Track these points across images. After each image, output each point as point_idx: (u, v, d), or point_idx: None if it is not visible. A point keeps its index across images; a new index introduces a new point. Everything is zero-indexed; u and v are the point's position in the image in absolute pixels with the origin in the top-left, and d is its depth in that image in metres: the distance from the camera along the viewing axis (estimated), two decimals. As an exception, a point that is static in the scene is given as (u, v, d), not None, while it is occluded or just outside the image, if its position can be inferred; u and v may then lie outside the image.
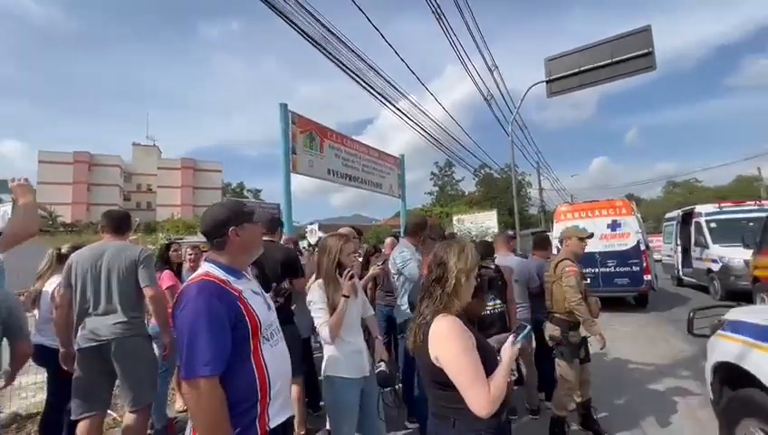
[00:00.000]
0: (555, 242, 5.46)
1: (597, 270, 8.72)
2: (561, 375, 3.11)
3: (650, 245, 10.24)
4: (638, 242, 8.56)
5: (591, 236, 3.36)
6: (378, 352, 2.24)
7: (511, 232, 7.03)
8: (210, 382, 1.19)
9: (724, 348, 2.41)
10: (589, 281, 8.57)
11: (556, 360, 3.18)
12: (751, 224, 8.79)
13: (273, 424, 1.33)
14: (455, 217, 16.94)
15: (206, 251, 1.72)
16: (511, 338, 1.39)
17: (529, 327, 1.52)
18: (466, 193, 41.76)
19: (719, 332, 2.53)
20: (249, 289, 1.44)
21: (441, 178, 43.20)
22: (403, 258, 3.18)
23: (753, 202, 10.32)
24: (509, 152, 13.11)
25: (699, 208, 10.52)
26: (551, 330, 3.18)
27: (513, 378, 4.11)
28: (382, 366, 2.13)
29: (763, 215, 7.76)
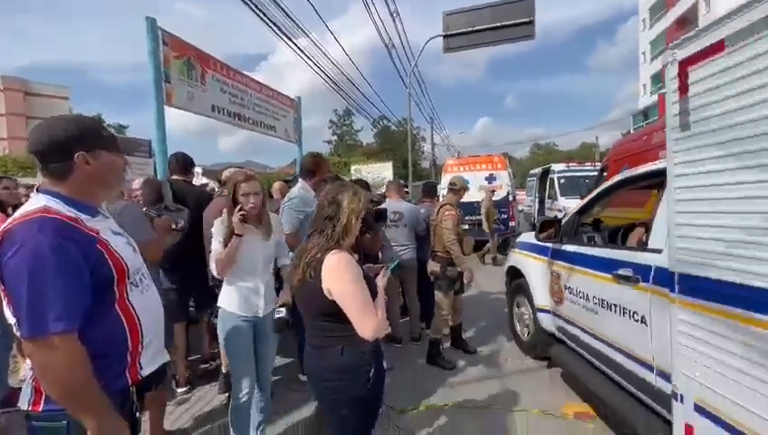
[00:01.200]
0: (444, 191, 6.10)
1: (475, 217, 9.96)
2: (438, 305, 3.59)
3: (517, 197, 12.03)
4: (508, 194, 9.98)
5: (466, 189, 3.90)
6: (281, 298, 2.21)
7: (403, 182, 7.42)
8: (65, 340, 1.01)
9: (512, 257, 4.05)
10: (467, 227, 9.93)
11: (435, 292, 3.63)
12: (587, 181, 10.94)
13: (145, 373, 1.24)
14: (352, 168, 17.07)
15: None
16: (383, 270, 1.59)
17: (398, 261, 1.78)
18: (365, 144, 42.07)
19: (513, 249, 4.10)
20: (108, 229, 1.22)
21: (340, 126, 42.41)
22: (290, 206, 2.98)
23: (590, 163, 12.83)
24: (406, 105, 13.43)
25: (553, 167, 12.63)
26: (432, 266, 3.60)
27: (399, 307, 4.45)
28: (282, 313, 2.13)
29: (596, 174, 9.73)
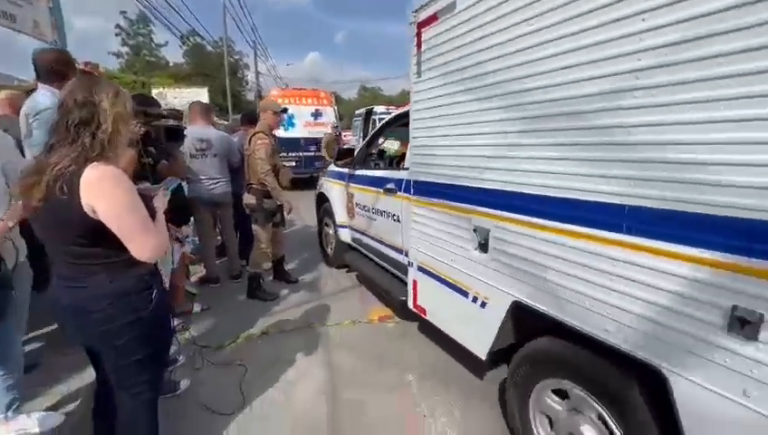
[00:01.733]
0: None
1: (302, 154, 9.83)
2: (257, 238, 3.46)
3: (344, 137, 12.40)
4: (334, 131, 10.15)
5: (285, 111, 3.56)
6: None
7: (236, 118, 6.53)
8: None
9: (320, 184, 4.49)
10: (294, 164, 9.76)
11: (252, 225, 3.47)
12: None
13: None
14: (154, 90, 13.89)
15: None
16: (162, 190, 1.44)
17: (179, 181, 1.62)
18: (172, 64, 34.54)
19: (321, 177, 4.57)
20: None
21: (134, 36, 33.05)
22: (41, 120, 2.15)
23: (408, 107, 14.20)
24: (222, 21, 11.43)
25: (375, 109, 13.44)
26: (247, 199, 3.37)
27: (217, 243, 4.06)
28: None
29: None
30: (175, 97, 11.82)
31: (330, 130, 9.68)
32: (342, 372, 2.49)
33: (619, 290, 1.22)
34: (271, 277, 3.95)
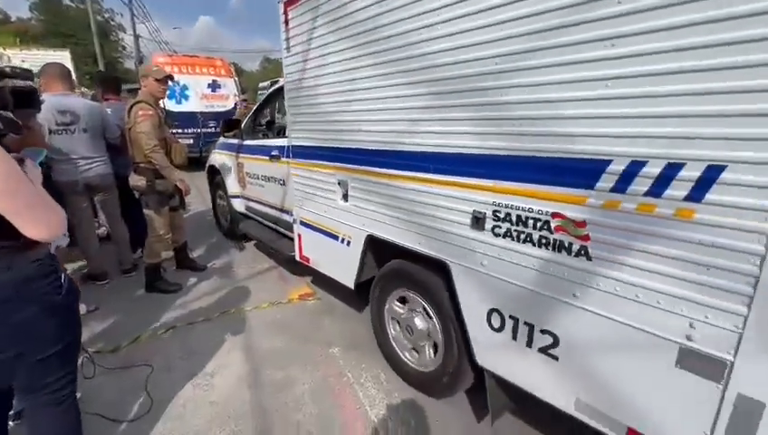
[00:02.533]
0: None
1: (199, 130, 8.83)
2: (150, 224, 3.04)
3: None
4: (236, 105, 9.29)
5: (171, 78, 3.08)
6: None
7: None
8: None
9: (211, 157, 4.51)
10: (192, 142, 8.75)
11: (144, 210, 3.03)
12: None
13: None
14: (-8, 52, 10.96)
15: None
16: (29, 160, 1.17)
17: (44, 151, 1.34)
18: (14, 19, 27.65)
19: (212, 150, 4.58)
20: None
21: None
22: None
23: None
24: None
25: (281, 81, 12.63)
26: (135, 180, 2.92)
27: (102, 234, 3.52)
28: None
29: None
30: (23, 60, 9.51)
31: (231, 104, 8.90)
32: (264, 354, 2.39)
33: (412, 209, 1.77)
34: (174, 267, 3.57)
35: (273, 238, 3.43)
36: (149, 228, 3.07)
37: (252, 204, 3.88)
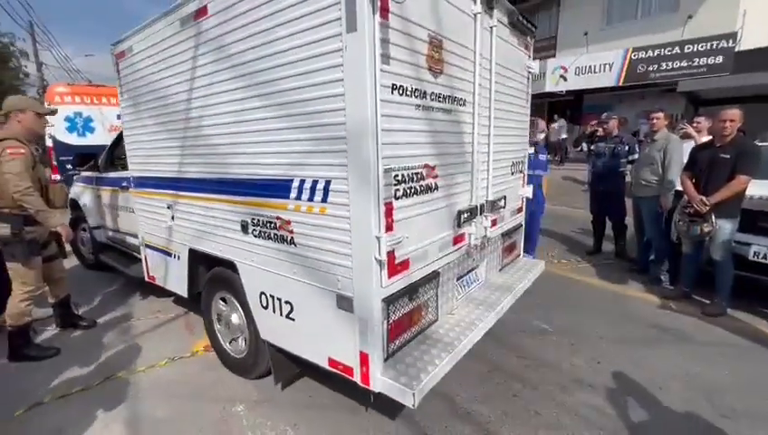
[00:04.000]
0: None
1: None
2: (15, 279, 2.70)
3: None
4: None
5: (55, 112, 3.08)
6: None
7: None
8: None
9: (74, 189, 4.61)
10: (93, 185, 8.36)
11: (7, 263, 2.69)
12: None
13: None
14: None
15: None
16: None
17: None
18: None
19: (75, 183, 4.65)
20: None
21: None
22: None
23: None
24: None
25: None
26: None
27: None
28: None
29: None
30: None
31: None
32: (151, 425, 2.10)
33: (213, 223, 2.28)
34: (55, 326, 3.20)
35: (128, 264, 3.69)
36: (14, 284, 2.69)
37: (111, 233, 4.15)
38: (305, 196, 1.69)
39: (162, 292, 3.27)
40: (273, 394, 2.29)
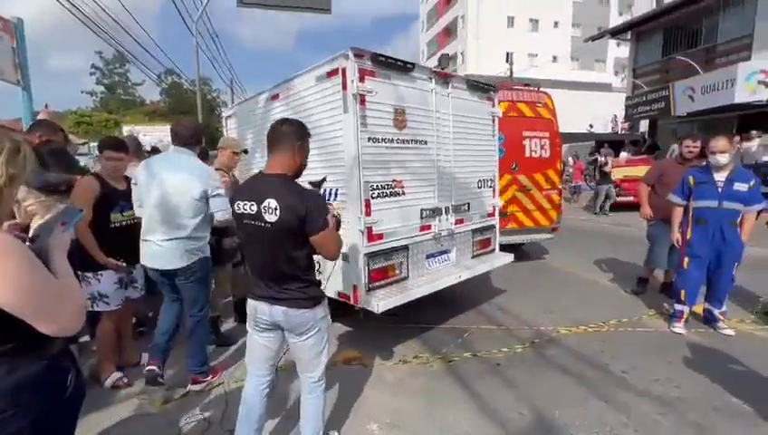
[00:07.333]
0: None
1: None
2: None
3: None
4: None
5: (246, 152, 3.65)
6: None
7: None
8: None
9: None
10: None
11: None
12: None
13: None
14: (125, 128, 15.60)
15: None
16: (59, 225, 1.11)
17: (82, 212, 1.23)
18: (149, 102, 36.05)
19: None
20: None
21: (109, 75, 34.71)
22: None
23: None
24: (195, 59, 12.31)
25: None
26: None
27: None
28: None
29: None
30: (145, 135, 13.52)
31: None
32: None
33: None
34: (233, 320, 3.80)
35: None
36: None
37: None
38: (330, 197, 3.10)
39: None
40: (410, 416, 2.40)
